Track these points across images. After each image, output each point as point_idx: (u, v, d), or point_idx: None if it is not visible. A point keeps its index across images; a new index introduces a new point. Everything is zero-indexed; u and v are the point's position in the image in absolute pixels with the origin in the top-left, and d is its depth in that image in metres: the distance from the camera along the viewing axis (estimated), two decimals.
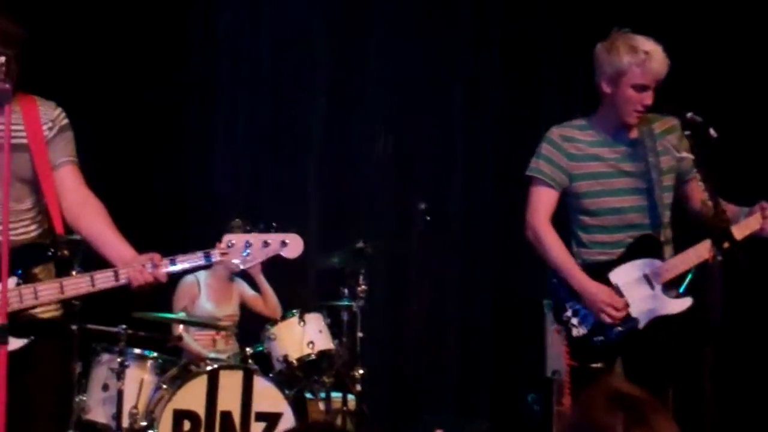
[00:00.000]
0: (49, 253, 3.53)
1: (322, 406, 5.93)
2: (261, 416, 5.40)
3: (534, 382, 5.35)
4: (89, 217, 3.60)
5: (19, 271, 3.41)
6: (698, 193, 4.24)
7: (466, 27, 7.61)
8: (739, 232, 3.97)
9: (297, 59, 7.41)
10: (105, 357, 5.67)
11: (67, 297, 3.48)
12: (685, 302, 4.14)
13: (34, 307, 3.44)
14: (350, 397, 6.03)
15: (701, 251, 4.04)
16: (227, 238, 3.53)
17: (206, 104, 7.35)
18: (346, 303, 6.02)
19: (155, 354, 5.77)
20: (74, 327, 5.56)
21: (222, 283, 6.29)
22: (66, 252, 3.55)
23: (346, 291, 6.06)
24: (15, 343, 3.28)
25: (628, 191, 4.18)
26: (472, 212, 7.72)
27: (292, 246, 3.65)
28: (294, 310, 5.83)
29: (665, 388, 4.12)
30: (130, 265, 3.44)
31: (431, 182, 7.51)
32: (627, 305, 4.11)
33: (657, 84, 4.07)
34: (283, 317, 5.85)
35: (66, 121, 3.62)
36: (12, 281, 3.35)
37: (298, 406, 5.67)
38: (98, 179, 3.78)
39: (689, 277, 4.18)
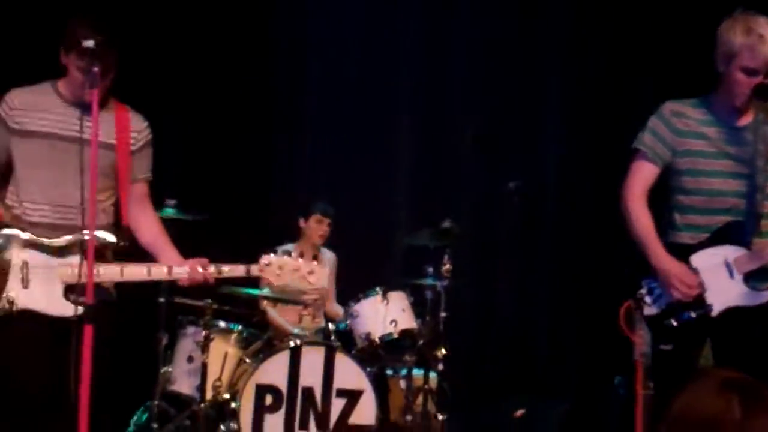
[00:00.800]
0: (114, 240, 3.94)
1: (403, 384, 5.92)
2: (342, 393, 5.41)
3: (622, 365, 5.25)
4: (148, 223, 4.15)
5: None
6: None
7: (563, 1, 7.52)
8: None
9: (387, 38, 7.40)
10: (190, 330, 5.75)
11: (123, 280, 3.91)
12: (764, 296, 4.02)
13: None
14: (432, 375, 6.01)
15: None
16: (265, 258, 3.98)
17: (296, 91, 7.37)
18: (431, 282, 5.98)
19: (240, 327, 5.83)
20: (162, 300, 5.68)
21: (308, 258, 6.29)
22: (126, 243, 3.98)
23: (431, 270, 6.01)
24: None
25: (730, 174, 4.08)
26: (567, 191, 7.62)
27: (318, 275, 4.04)
28: (377, 288, 5.81)
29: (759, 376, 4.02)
30: (182, 264, 3.96)
31: (524, 161, 7.42)
32: (701, 286, 4.01)
33: None
34: (366, 295, 5.81)
35: (150, 137, 4.13)
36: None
37: (379, 383, 5.67)
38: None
39: None
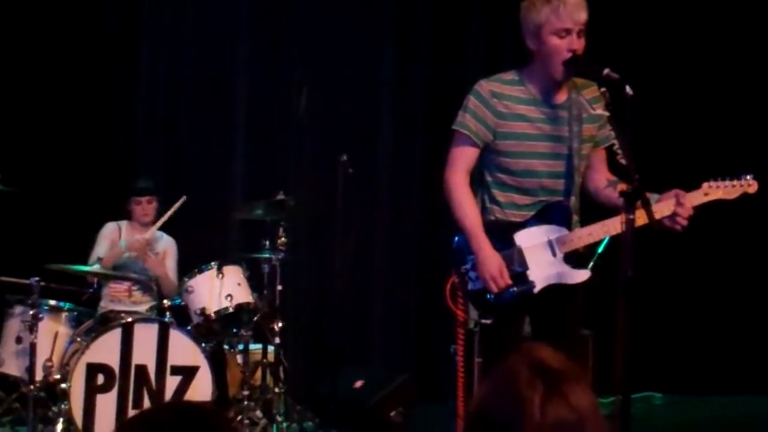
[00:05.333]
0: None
1: (240, 358, 5.89)
2: (177, 370, 5.34)
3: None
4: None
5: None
6: (603, 166, 4.26)
7: None
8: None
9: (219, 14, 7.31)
10: (18, 309, 5.60)
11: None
12: (584, 274, 4.11)
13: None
14: (270, 349, 6.00)
15: (609, 227, 4.02)
16: None
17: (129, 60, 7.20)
18: (267, 255, 5.95)
19: (70, 306, 5.69)
20: None
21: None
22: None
23: (267, 243, 5.98)
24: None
25: (548, 156, 4.12)
26: (399, 164, 7.71)
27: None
28: (212, 263, 5.75)
29: (574, 347, 4.15)
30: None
31: (356, 134, 7.47)
32: (510, 282, 4.06)
33: (580, 28, 3.99)
34: (201, 270, 5.75)
35: None
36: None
37: (216, 359, 5.62)
38: None
39: (599, 250, 4.18)
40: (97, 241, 6.08)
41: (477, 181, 4.26)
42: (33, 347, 5.32)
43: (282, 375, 5.97)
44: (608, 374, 3.61)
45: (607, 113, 3.89)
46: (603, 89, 3.89)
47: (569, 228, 4.14)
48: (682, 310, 7.65)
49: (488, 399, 1.62)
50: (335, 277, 6.98)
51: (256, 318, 5.86)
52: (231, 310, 5.69)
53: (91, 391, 5.20)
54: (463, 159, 4.19)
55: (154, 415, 1.51)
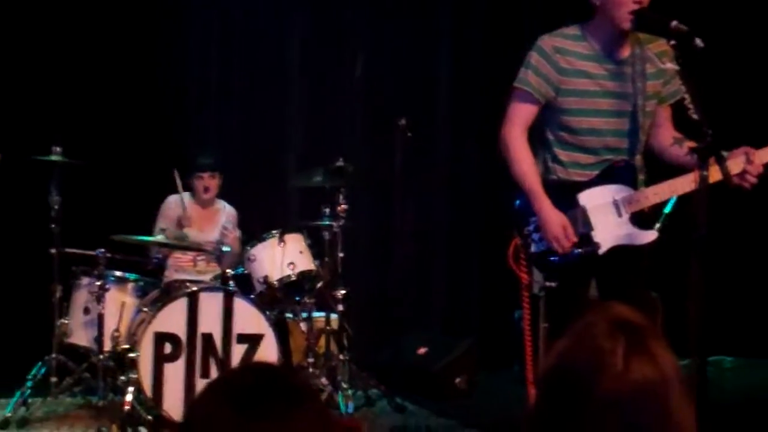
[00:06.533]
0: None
1: (303, 326, 5.91)
2: (242, 338, 5.36)
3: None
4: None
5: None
6: (669, 123, 4.18)
7: None
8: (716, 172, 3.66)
9: None
10: (85, 280, 5.64)
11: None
12: (651, 235, 4.05)
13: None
14: (333, 316, 6.01)
15: (676, 186, 3.96)
16: None
17: (180, 38, 7.21)
18: (327, 222, 5.94)
19: (136, 276, 5.73)
20: (53, 251, 5.55)
21: (204, 208, 6.22)
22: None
23: (327, 211, 5.97)
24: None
25: (611, 113, 4.05)
26: (458, 126, 7.65)
27: None
28: (273, 231, 5.75)
29: (642, 310, 4.08)
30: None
31: (413, 98, 7.42)
32: (576, 239, 4.01)
33: None
34: (263, 238, 5.75)
35: None
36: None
37: (280, 327, 5.64)
38: None
39: (666, 211, 4.10)
40: (160, 214, 6.10)
41: (539, 140, 4.21)
42: (101, 318, 5.38)
43: (345, 342, 5.98)
44: (677, 338, 3.55)
45: (676, 67, 3.80)
46: (672, 42, 3.79)
47: (635, 188, 4.08)
48: (751, 272, 7.52)
49: (565, 353, 1.58)
50: (396, 243, 7.00)
51: (318, 285, 5.87)
52: (293, 278, 5.69)
53: (159, 360, 5.25)
54: (521, 116, 4.15)
55: (238, 377, 1.50)
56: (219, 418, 1.41)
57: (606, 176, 4.08)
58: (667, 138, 4.17)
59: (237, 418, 1.40)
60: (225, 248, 5.92)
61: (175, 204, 6.07)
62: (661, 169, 4.19)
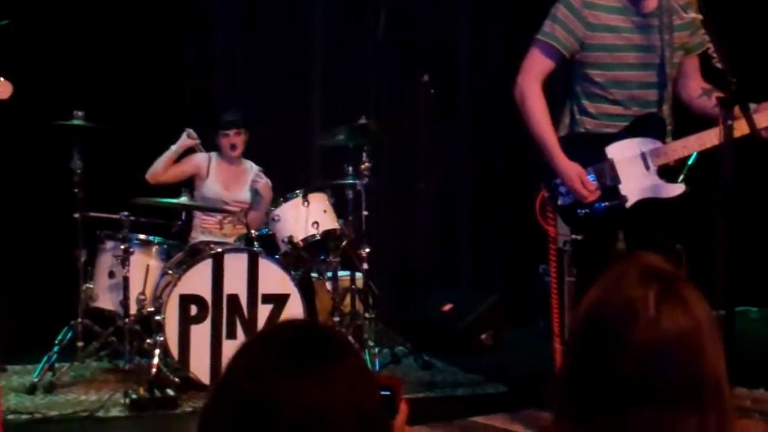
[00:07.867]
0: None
1: (329, 285, 5.91)
2: (268, 298, 5.35)
3: (546, 253, 5.29)
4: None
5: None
6: (697, 73, 4.14)
7: None
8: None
9: None
10: (109, 244, 5.65)
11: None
12: (678, 188, 4.02)
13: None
14: (358, 275, 6.00)
15: (704, 139, 3.91)
16: None
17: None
18: (351, 181, 5.91)
19: (160, 239, 5.73)
20: (77, 215, 5.55)
21: (231, 166, 6.19)
22: None
23: (350, 169, 5.93)
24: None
25: (638, 66, 4.03)
26: (480, 82, 7.59)
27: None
28: (297, 191, 5.72)
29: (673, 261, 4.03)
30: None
31: (435, 55, 7.35)
32: (597, 189, 3.98)
33: None
34: (287, 198, 5.73)
35: None
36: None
37: (305, 286, 5.64)
38: None
39: (689, 162, 4.06)
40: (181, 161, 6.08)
41: (565, 92, 4.17)
42: (126, 281, 5.38)
43: (371, 300, 5.97)
44: (702, 289, 3.52)
45: (700, 16, 3.74)
46: None
47: (663, 140, 4.03)
48: None
49: (596, 304, 1.55)
50: (420, 200, 6.96)
51: (343, 244, 5.85)
52: (318, 237, 5.67)
53: (185, 321, 5.25)
54: (540, 68, 4.12)
55: (275, 333, 1.48)
56: (258, 375, 1.39)
57: (634, 128, 4.05)
58: (695, 89, 4.14)
59: (277, 374, 1.38)
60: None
61: (203, 159, 6.06)
62: (690, 120, 4.13)
